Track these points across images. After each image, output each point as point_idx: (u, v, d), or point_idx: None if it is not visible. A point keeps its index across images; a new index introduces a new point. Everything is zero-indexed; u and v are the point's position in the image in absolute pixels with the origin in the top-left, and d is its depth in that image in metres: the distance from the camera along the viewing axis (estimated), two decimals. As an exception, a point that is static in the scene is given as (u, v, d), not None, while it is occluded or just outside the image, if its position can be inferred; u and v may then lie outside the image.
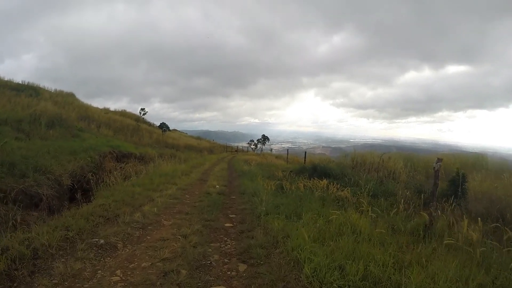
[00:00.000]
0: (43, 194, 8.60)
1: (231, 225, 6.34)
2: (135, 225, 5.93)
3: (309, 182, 9.73)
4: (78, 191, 10.39)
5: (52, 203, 8.97)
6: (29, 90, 24.67)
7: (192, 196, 9.05)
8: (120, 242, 5.08)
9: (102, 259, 4.46)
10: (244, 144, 67.42)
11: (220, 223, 6.35)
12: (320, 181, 9.62)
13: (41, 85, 28.97)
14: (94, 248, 4.77)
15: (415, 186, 10.09)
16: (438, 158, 6.26)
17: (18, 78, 27.39)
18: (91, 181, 9.81)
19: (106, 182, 9.62)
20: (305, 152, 18.33)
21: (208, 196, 8.96)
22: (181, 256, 4.47)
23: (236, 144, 69.46)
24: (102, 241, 5.01)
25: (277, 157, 33.86)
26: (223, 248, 4.99)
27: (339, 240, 4.89)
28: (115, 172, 10.47)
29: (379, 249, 4.63)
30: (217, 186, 10.89)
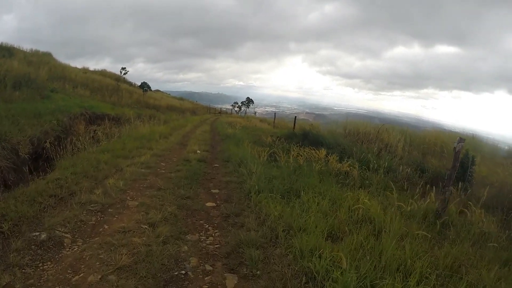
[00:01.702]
0: (-2, 167, 7.39)
1: (214, 204, 5.16)
2: (92, 207, 4.67)
3: (304, 151, 8.56)
4: (39, 160, 9.06)
5: (7, 176, 7.70)
6: (2, 51, 23.03)
7: (169, 164, 7.79)
8: (68, 235, 3.83)
9: (40, 265, 3.23)
10: (228, 106, 65.90)
11: (200, 202, 5.17)
12: (317, 150, 8.47)
13: (16, 45, 27.01)
14: (33, 246, 3.51)
15: (415, 163, 9.11)
16: (460, 138, 5.39)
17: (4, 41, 25.32)
18: (51, 148, 8.40)
19: (68, 149, 8.18)
20: (295, 117, 17.05)
21: (187, 164, 7.74)
22: (144, 261, 3.25)
23: (220, 106, 67.67)
24: (44, 235, 3.74)
25: (262, 120, 32.82)
26: (204, 244, 3.81)
27: (355, 234, 3.77)
28: (80, 137, 9.06)
29: (405, 248, 3.58)
30: (198, 152, 9.65)
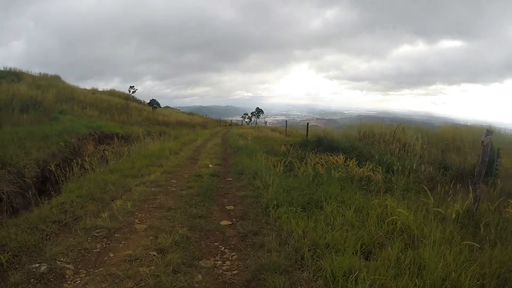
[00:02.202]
0: (3, 192, 7.19)
1: (229, 222, 4.72)
2: (97, 232, 4.29)
3: (321, 158, 8.10)
4: (46, 183, 8.79)
5: (15, 201, 7.45)
6: (11, 76, 23.66)
7: (180, 181, 7.41)
8: (70, 266, 3.45)
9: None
10: (238, 118, 65.63)
11: (215, 221, 4.74)
12: (334, 156, 8.00)
13: (25, 70, 27.82)
14: (32, 280, 3.15)
15: (436, 161, 8.64)
16: (487, 130, 4.90)
17: (8, 65, 26.11)
18: (57, 170, 8.11)
19: (75, 171, 7.86)
20: (307, 124, 16.60)
21: (199, 180, 7.34)
22: (151, 296, 2.83)
23: (229, 118, 67.56)
24: (44, 266, 3.37)
25: (273, 129, 32.35)
26: (220, 271, 3.36)
27: (389, 247, 3.31)
28: (87, 158, 8.75)
29: (446, 257, 3.12)
30: (210, 166, 9.26)
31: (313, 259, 3.27)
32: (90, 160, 8.76)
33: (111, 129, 17.44)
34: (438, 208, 4.52)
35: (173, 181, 7.42)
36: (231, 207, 5.47)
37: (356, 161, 7.70)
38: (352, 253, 3.23)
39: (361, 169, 6.89)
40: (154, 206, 5.45)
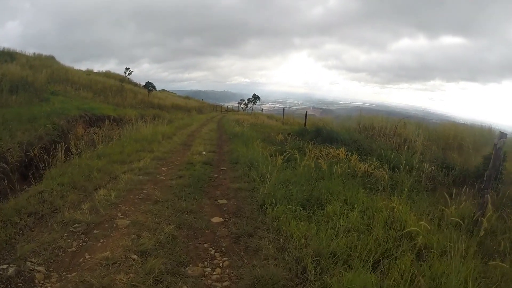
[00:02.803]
0: (-18, 177, 6.68)
1: (221, 220, 4.31)
2: (75, 227, 3.86)
3: (321, 150, 7.66)
4: (30, 168, 8.30)
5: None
6: (4, 56, 22.86)
7: (170, 169, 6.96)
8: (41, 268, 3.04)
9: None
10: (234, 103, 64.95)
11: (205, 217, 4.32)
12: (334, 149, 7.58)
13: (19, 50, 26.90)
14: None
15: (438, 160, 8.21)
16: (501, 132, 4.55)
17: (2, 46, 25.42)
18: (41, 155, 7.61)
19: (59, 155, 7.36)
20: (306, 113, 16.08)
21: (190, 168, 6.89)
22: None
23: (226, 104, 66.82)
24: (12, 269, 2.96)
25: (269, 117, 31.88)
26: (209, 281, 2.94)
27: (399, 259, 2.93)
28: (76, 142, 8.26)
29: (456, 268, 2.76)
30: (204, 153, 8.82)
31: (317, 272, 2.86)
32: (76, 144, 8.28)
33: (104, 112, 16.83)
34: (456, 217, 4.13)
35: (163, 168, 6.98)
36: (224, 201, 5.04)
37: (358, 155, 7.27)
38: (363, 267, 2.82)
39: (365, 165, 6.45)
40: (140, 197, 5.00)
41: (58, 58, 30.49)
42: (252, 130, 14.90)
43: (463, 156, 8.94)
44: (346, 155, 7.21)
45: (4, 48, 25.62)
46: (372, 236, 3.49)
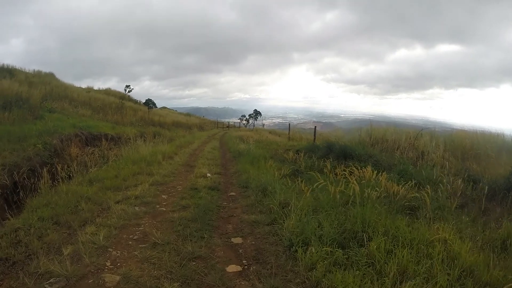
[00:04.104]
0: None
1: (239, 269, 3.33)
2: (50, 284, 2.94)
3: (344, 169, 6.78)
4: (17, 192, 7.40)
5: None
6: (3, 72, 22.99)
7: (172, 197, 6.01)
8: None
9: None
10: (235, 120, 64.35)
11: (218, 266, 3.35)
12: (361, 167, 6.68)
13: (18, 67, 27.45)
14: None
15: (461, 172, 7.50)
16: None
17: (6, 62, 25.58)
18: (26, 179, 6.72)
19: (45, 180, 6.47)
20: (315, 128, 15.18)
21: (195, 196, 5.96)
22: None
23: (227, 120, 66.15)
24: None
25: (271, 132, 31.18)
26: None
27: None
28: (57, 166, 7.38)
29: None
30: (209, 175, 7.92)
31: None
32: (63, 167, 7.39)
33: (101, 130, 16.04)
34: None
35: (163, 196, 6.02)
36: (239, 239, 4.07)
37: (386, 174, 6.39)
38: None
39: (401, 186, 5.53)
40: (135, 237, 4.03)
41: (60, 76, 30.87)
42: (257, 147, 14.02)
43: (482, 165, 8.33)
44: (375, 174, 6.31)
45: (3, 65, 25.84)
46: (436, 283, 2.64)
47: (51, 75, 29.94)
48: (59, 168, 7.20)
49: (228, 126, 53.62)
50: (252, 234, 4.23)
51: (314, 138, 14.01)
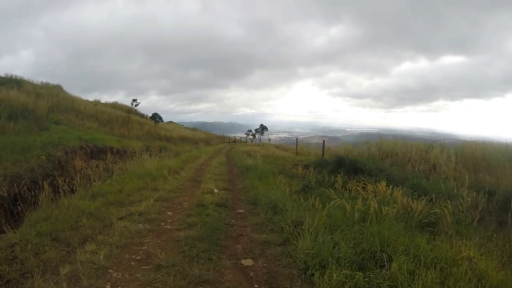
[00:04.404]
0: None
1: (251, 295, 3.06)
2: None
3: (357, 184, 6.50)
4: (19, 204, 7.17)
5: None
6: (11, 83, 23.04)
7: (178, 213, 5.73)
8: None
9: None
10: (241, 134, 64.28)
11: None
12: (374, 183, 6.40)
13: (26, 78, 27.46)
14: None
15: (475, 184, 7.16)
16: None
17: (14, 73, 25.90)
18: (25, 192, 6.47)
19: (46, 193, 6.24)
20: (323, 142, 14.88)
21: (202, 213, 5.67)
22: None
23: (233, 135, 66.06)
24: None
25: (277, 147, 30.86)
26: None
27: None
28: (59, 179, 7.15)
29: None
30: (216, 191, 7.65)
31: None
32: (66, 180, 7.17)
33: (107, 143, 15.83)
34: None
35: (168, 213, 5.74)
36: (250, 261, 3.76)
37: (400, 189, 6.09)
38: None
39: (419, 202, 5.21)
40: (138, 258, 3.74)
41: (67, 88, 31.00)
42: (265, 162, 13.73)
43: (494, 176, 7.97)
44: (390, 189, 6.01)
45: (12, 75, 26.09)
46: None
47: (58, 87, 29.88)
48: (60, 181, 6.96)
49: (235, 141, 53.52)
50: (264, 255, 3.92)
51: (323, 153, 13.71)
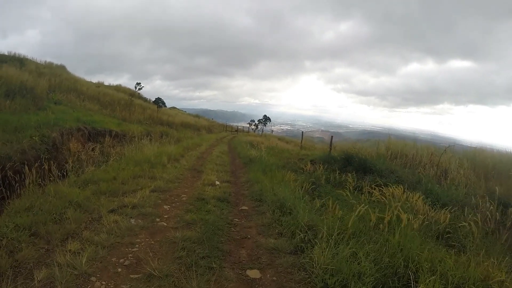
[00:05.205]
0: None
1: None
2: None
3: (371, 187, 5.99)
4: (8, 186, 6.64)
5: None
6: (14, 61, 22.06)
7: (175, 208, 5.19)
8: None
9: None
10: (243, 124, 63.75)
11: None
12: (390, 186, 5.86)
13: (30, 57, 26.62)
14: None
15: (488, 193, 6.65)
16: None
17: (18, 52, 25.38)
18: (11, 176, 5.93)
19: (32, 179, 5.70)
20: (331, 137, 14.28)
21: (202, 209, 5.13)
22: None
23: (235, 124, 65.50)
24: None
25: (280, 139, 30.34)
26: None
27: None
28: (46, 164, 6.60)
29: None
30: (217, 183, 7.14)
31: None
32: (53, 165, 6.63)
33: (106, 126, 15.24)
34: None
35: (165, 207, 5.19)
36: (256, 273, 3.21)
37: (418, 195, 5.56)
38: None
39: (444, 213, 4.69)
40: (126, 263, 3.19)
41: (72, 69, 30.45)
42: (269, 154, 13.15)
43: (504, 186, 7.55)
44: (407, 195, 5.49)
45: (15, 54, 25.38)
46: None
47: (62, 67, 29.38)
48: (46, 166, 6.40)
49: (237, 130, 52.98)
50: (272, 265, 3.37)
51: (330, 149, 13.13)
